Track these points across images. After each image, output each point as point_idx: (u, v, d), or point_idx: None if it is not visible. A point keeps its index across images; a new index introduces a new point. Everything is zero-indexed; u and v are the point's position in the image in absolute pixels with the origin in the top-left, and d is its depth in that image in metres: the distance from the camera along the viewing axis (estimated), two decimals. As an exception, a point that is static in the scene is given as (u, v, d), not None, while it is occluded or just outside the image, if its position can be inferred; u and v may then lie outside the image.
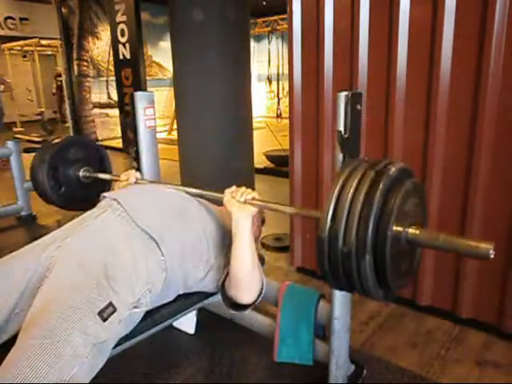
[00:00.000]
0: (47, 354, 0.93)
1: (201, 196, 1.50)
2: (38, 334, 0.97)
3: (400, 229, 0.92)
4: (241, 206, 1.27)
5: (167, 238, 1.28)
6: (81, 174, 1.96)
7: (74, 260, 1.15)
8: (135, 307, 1.15)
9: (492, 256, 0.84)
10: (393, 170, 0.94)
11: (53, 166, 1.88)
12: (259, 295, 1.34)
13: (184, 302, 1.41)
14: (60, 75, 10.29)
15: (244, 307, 1.36)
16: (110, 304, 1.07)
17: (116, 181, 1.76)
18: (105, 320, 1.04)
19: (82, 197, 2.00)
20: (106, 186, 2.05)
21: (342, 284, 0.99)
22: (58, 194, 1.92)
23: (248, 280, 1.29)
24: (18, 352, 0.95)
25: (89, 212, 1.35)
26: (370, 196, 0.89)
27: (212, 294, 1.50)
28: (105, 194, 1.41)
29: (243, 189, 1.31)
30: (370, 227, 0.87)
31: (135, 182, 1.66)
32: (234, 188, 1.32)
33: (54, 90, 10.33)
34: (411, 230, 0.94)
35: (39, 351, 0.93)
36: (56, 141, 1.98)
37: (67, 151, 1.94)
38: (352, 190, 0.92)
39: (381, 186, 0.89)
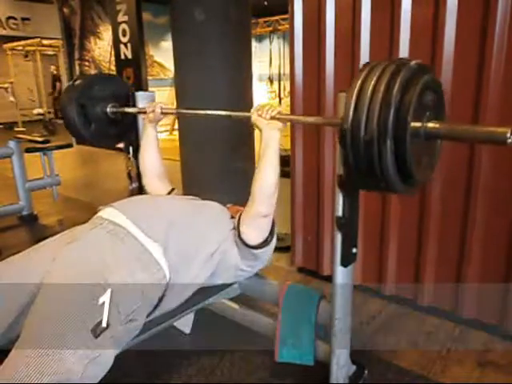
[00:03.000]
0: (41, 373, 0.92)
1: (229, 116, 1.55)
2: (31, 352, 0.95)
3: (419, 121, 0.95)
4: (269, 123, 1.34)
5: (170, 248, 1.28)
6: (108, 109, 1.95)
7: (67, 275, 1.13)
8: (130, 321, 1.14)
9: (510, 140, 0.85)
10: (413, 63, 0.97)
11: (81, 104, 1.88)
12: (273, 228, 1.42)
13: (184, 302, 1.41)
14: (54, 75, 10.37)
15: (259, 245, 1.40)
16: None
17: (143, 113, 1.78)
18: (97, 336, 1.03)
19: (112, 133, 2.02)
20: (134, 120, 2.05)
21: (365, 177, 1.01)
22: (89, 131, 1.93)
23: (270, 192, 1.36)
24: (11, 370, 0.94)
25: (82, 226, 1.34)
26: (391, 85, 0.92)
27: (212, 295, 1.50)
28: (101, 207, 1.40)
29: (268, 105, 1.36)
30: (390, 114, 0.90)
31: (161, 113, 1.69)
32: (258, 106, 1.38)
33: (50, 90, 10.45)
34: (430, 124, 0.97)
35: (33, 369, 0.92)
36: (79, 81, 1.98)
37: (93, 88, 1.93)
38: (373, 82, 0.94)
39: (401, 75, 0.92)
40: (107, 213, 1.35)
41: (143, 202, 1.49)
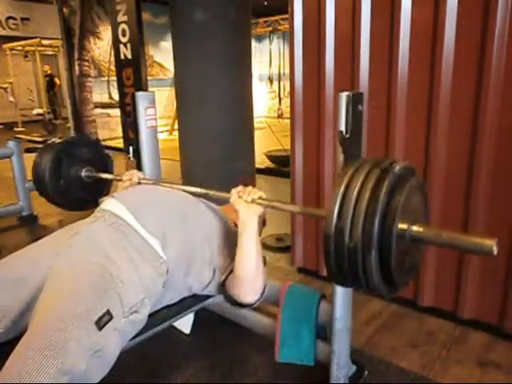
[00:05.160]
0: (46, 365, 0.93)
1: (206, 195, 1.49)
2: (36, 345, 0.96)
3: (405, 226, 0.92)
4: (248, 206, 1.29)
5: (169, 243, 1.28)
6: (83, 173, 1.96)
7: (71, 268, 1.15)
8: (133, 313, 1.14)
9: (495, 252, 0.83)
10: (397, 168, 0.95)
11: (59, 157, 1.88)
12: (261, 295, 1.34)
13: (184, 302, 1.41)
14: (49, 75, 10.41)
15: (246, 305, 1.36)
16: (108, 312, 1.06)
17: (118, 181, 1.76)
18: (101, 328, 1.04)
19: (79, 196, 2.00)
20: (107, 187, 2.05)
21: (348, 281, 0.99)
22: (56, 187, 1.91)
23: (252, 280, 1.30)
24: (16, 363, 0.95)
25: (84, 220, 1.34)
26: (376, 193, 0.90)
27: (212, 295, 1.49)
28: (104, 198, 1.40)
29: (250, 188, 1.32)
30: (375, 223, 0.88)
31: (138, 182, 1.66)
32: (240, 187, 1.33)
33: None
34: (415, 228, 0.94)
35: (38, 363, 0.93)
36: (63, 139, 2.00)
37: (75, 148, 1.95)
38: (358, 188, 0.93)
39: (386, 183, 0.91)
40: (109, 204, 1.35)
41: (144, 195, 1.48)
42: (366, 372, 1.61)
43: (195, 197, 1.52)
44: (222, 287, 1.38)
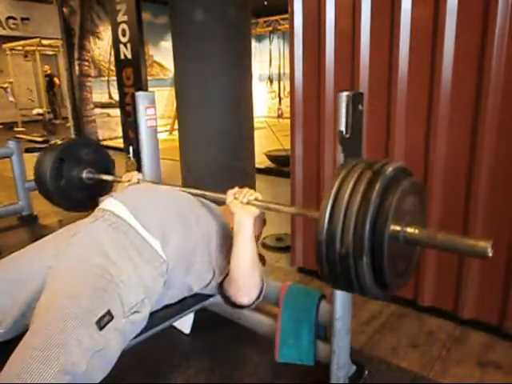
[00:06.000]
0: (47, 365, 0.93)
1: (203, 196, 1.49)
2: (37, 345, 0.97)
3: (398, 228, 0.91)
4: (243, 207, 1.28)
5: (169, 242, 1.28)
6: (84, 175, 1.96)
7: (71, 268, 1.15)
8: (133, 313, 1.14)
9: (490, 254, 0.83)
10: (390, 169, 0.93)
11: (60, 157, 1.89)
12: (258, 296, 1.33)
13: (184, 302, 1.41)
14: (49, 74, 10.42)
15: (243, 306, 1.36)
16: (108, 312, 1.06)
17: (118, 182, 1.76)
18: (101, 328, 1.04)
19: (78, 196, 2.00)
20: (107, 188, 2.05)
21: (341, 285, 0.99)
22: (56, 185, 1.91)
23: (247, 281, 1.29)
24: (17, 362, 0.95)
25: (83, 220, 1.34)
26: (367, 196, 0.89)
27: (213, 295, 1.49)
28: (103, 198, 1.40)
29: (246, 189, 1.31)
30: (366, 228, 0.87)
31: (137, 183, 1.67)
32: (236, 189, 1.33)
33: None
34: (409, 230, 0.93)
35: (38, 362, 0.93)
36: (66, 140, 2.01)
37: (77, 149, 1.95)
38: (349, 191, 0.91)
39: (377, 186, 0.89)
40: (109, 204, 1.35)
41: (144, 195, 1.48)
42: (366, 372, 1.61)
43: (195, 196, 1.53)
44: (220, 288, 1.37)
